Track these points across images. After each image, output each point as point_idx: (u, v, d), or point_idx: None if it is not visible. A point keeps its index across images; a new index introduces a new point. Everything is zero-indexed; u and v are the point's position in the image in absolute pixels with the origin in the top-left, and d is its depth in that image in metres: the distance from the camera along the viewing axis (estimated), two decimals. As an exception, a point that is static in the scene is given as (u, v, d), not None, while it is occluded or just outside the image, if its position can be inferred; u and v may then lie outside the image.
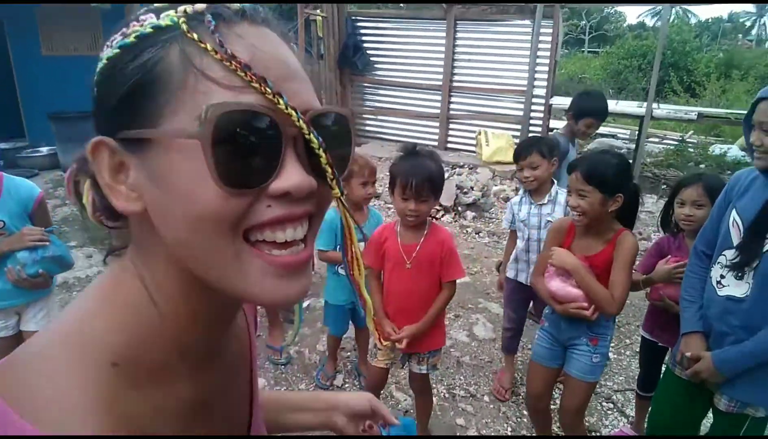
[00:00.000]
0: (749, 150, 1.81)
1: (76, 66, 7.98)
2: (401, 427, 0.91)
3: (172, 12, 0.44)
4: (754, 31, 44.66)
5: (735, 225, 1.79)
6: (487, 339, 3.55)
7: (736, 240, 1.78)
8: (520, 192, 2.92)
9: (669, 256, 2.35)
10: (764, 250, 1.68)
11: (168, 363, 0.49)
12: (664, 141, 10.64)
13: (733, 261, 1.76)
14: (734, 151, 9.09)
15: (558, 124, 9.96)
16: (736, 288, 1.76)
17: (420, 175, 2.04)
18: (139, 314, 0.48)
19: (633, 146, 10.01)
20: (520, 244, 2.86)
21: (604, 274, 2.03)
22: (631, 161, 8.25)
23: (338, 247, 2.70)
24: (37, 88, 8.17)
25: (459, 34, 8.00)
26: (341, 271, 2.76)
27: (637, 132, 10.45)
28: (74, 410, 0.41)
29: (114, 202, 0.46)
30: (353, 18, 8.74)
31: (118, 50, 0.44)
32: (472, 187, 6.46)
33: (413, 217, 2.12)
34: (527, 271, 2.82)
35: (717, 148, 9.26)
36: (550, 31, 7.22)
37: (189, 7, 0.44)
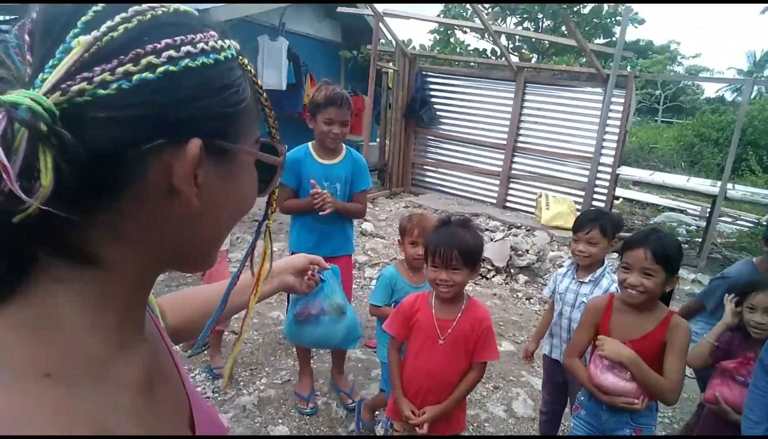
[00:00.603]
0: None
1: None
2: (331, 270, 1.20)
3: (228, 42, 0.52)
4: None
5: None
6: (526, 418, 3.36)
7: None
8: (567, 263, 2.79)
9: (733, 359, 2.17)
10: None
11: (109, 358, 0.50)
12: (738, 222, 10.07)
13: None
14: (817, 240, 8.46)
15: (624, 193, 9.65)
16: None
17: (449, 244, 1.98)
18: (72, 324, 0.47)
19: (702, 224, 9.55)
20: (555, 316, 2.72)
21: (653, 355, 1.97)
22: (700, 240, 7.85)
23: (394, 304, 2.64)
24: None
25: (527, 97, 8.00)
26: None
27: (708, 209, 9.99)
28: (28, 426, 0.40)
29: (190, 199, 0.49)
30: (423, 73, 8.94)
31: (211, 61, 0.49)
32: (527, 250, 6.29)
33: (446, 287, 2.02)
34: (560, 347, 2.68)
35: (798, 236, 8.65)
36: (622, 100, 7.09)
37: (236, 44, 0.54)
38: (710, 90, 36.10)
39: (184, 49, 0.47)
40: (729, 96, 35.24)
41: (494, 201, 8.40)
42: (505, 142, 8.22)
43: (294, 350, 3.55)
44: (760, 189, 9.02)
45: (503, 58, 8.49)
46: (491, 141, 8.42)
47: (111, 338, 0.50)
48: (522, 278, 5.90)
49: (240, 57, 0.54)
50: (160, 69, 0.45)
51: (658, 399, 1.99)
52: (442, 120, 8.92)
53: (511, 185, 8.33)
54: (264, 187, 0.63)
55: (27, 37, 0.45)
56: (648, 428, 2.07)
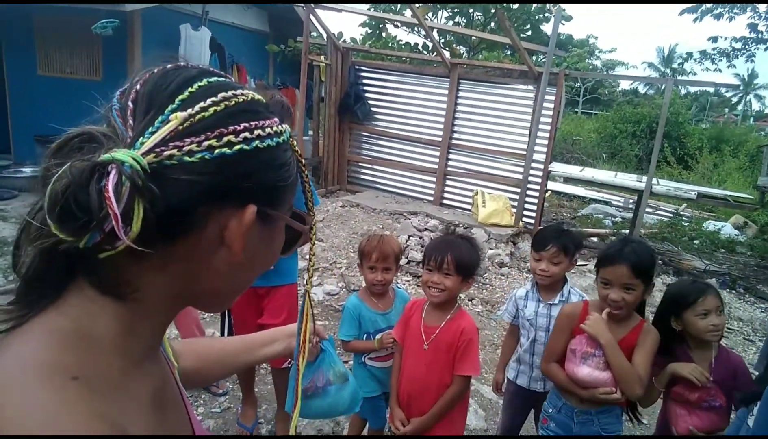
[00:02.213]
0: None
1: (72, 89, 7.84)
2: (329, 341, 1.26)
3: (284, 127, 0.62)
4: (740, 107, 46.12)
5: None
6: (478, 429, 3.29)
7: None
8: (527, 284, 2.66)
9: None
10: None
11: (129, 374, 0.55)
12: (658, 212, 10.64)
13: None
14: (727, 228, 9.09)
15: (552, 186, 9.91)
16: None
17: (444, 249, 2.10)
18: (101, 339, 0.53)
19: (626, 215, 10.00)
20: (524, 342, 2.60)
21: (627, 358, 2.02)
22: (626, 232, 8.19)
23: (365, 336, 2.49)
24: (30, 106, 7.93)
25: (461, 93, 7.98)
26: (368, 361, 2.54)
27: (630, 200, 10.48)
28: (54, 422, 0.44)
29: (235, 253, 0.57)
30: (357, 67, 8.73)
31: (273, 143, 0.58)
32: (466, 250, 6.28)
33: (437, 290, 2.10)
34: (529, 374, 2.59)
35: (711, 225, 9.25)
36: (553, 97, 7.22)
37: (288, 127, 0.63)
38: (625, 82, 38.14)
39: (255, 132, 0.56)
40: (642, 89, 37.43)
41: (431, 198, 8.36)
42: (440, 139, 8.19)
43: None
44: (679, 183, 9.54)
45: (435, 54, 8.44)
46: (427, 138, 8.36)
47: (132, 357, 0.56)
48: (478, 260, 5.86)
49: (291, 138, 0.63)
50: (236, 147, 0.54)
51: (625, 391, 2.00)
52: (377, 116, 8.75)
53: (448, 182, 8.31)
54: (287, 248, 0.71)
55: (130, 104, 0.54)
56: (615, 436, 2.16)
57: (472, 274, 2.15)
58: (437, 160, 8.28)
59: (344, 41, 9.67)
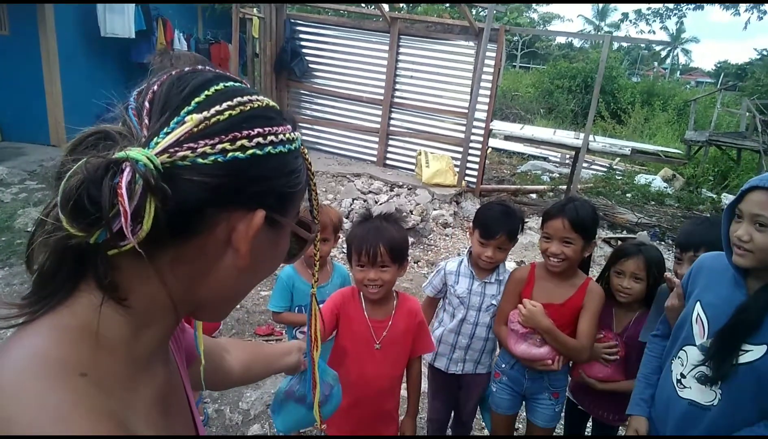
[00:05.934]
0: (726, 243, 1.64)
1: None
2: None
3: (296, 134, 0.63)
4: (668, 61, 47.97)
5: (699, 322, 1.67)
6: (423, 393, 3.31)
7: (698, 339, 1.66)
8: (462, 259, 2.41)
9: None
10: (738, 362, 1.54)
11: (135, 374, 0.56)
12: (593, 166, 10.98)
13: (702, 370, 1.62)
14: (657, 182, 9.51)
15: (492, 143, 10.00)
16: (699, 394, 1.63)
17: (374, 239, 1.85)
18: (110, 339, 0.54)
19: (563, 170, 10.26)
20: (448, 321, 2.37)
21: (572, 319, 2.12)
22: (563, 187, 8.40)
23: (297, 308, 2.42)
24: None
25: (402, 50, 7.78)
26: (299, 335, 2.47)
27: (567, 156, 10.75)
28: (62, 416, 0.45)
29: (242, 257, 0.58)
30: (292, 21, 8.31)
31: (285, 150, 0.59)
32: (411, 211, 6.26)
33: (375, 288, 1.88)
34: (448, 356, 2.39)
35: (642, 178, 9.64)
36: (494, 55, 7.16)
37: (300, 135, 0.64)
38: (561, 36, 38.65)
39: (269, 138, 0.57)
40: (577, 43, 38.12)
41: (374, 159, 8.23)
42: (382, 98, 7.99)
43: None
44: (613, 140, 9.83)
45: (374, 7, 8.16)
46: (368, 96, 8.13)
47: (139, 358, 0.57)
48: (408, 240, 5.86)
49: (302, 146, 0.64)
50: (249, 151, 0.55)
51: (572, 359, 2.19)
52: (316, 73, 8.42)
53: (391, 142, 8.18)
54: (291, 256, 0.72)
55: (147, 104, 0.55)
56: (563, 390, 2.31)
57: (407, 257, 1.96)
58: (379, 119, 8.11)
59: (279, -7, 9.15)
